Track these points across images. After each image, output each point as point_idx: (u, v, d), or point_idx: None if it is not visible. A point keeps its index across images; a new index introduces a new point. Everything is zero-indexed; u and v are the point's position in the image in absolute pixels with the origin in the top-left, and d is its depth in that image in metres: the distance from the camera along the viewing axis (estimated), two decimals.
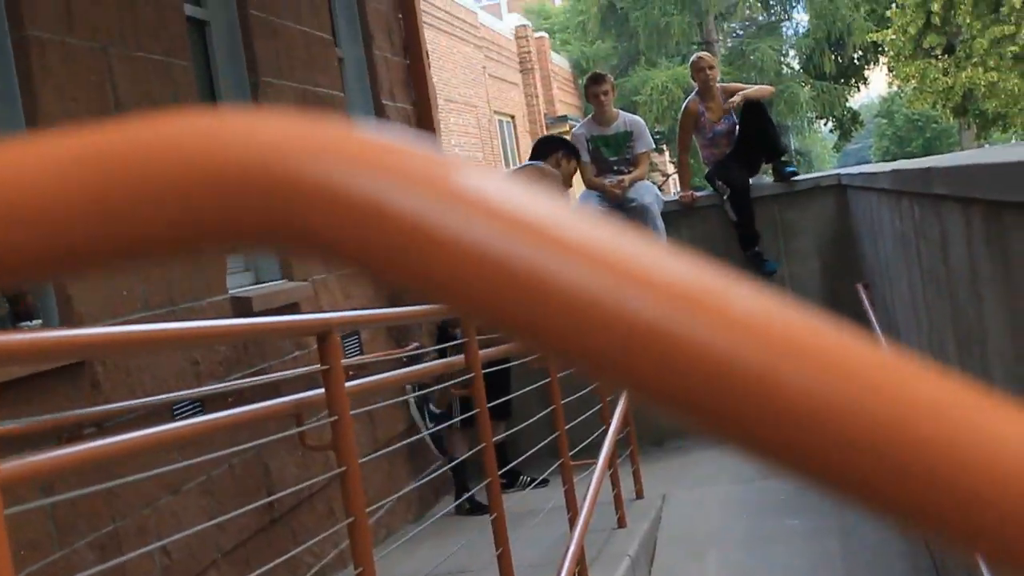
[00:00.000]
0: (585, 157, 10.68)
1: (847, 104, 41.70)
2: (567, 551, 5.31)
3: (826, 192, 10.59)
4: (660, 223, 10.39)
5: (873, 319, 8.03)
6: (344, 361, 5.49)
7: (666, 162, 42.28)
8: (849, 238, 10.28)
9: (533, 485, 9.01)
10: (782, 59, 41.76)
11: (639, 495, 8.73)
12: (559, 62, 38.90)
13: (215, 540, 6.26)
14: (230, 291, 6.90)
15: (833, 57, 39.90)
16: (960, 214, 4.28)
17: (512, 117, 31.60)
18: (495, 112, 29.45)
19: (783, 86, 36.65)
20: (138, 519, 5.62)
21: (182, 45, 6.84)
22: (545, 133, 33.42)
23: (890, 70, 34.47)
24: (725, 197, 10.43)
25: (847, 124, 41.73)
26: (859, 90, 42.95)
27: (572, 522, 5.95)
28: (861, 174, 9.28)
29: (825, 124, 44.46)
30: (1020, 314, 3.48)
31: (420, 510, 9.17)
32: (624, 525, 7.81)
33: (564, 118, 32.84)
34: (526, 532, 6.38)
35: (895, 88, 40.33)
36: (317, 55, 8.75)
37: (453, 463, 9.04)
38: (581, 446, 7.28)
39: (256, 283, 7.52)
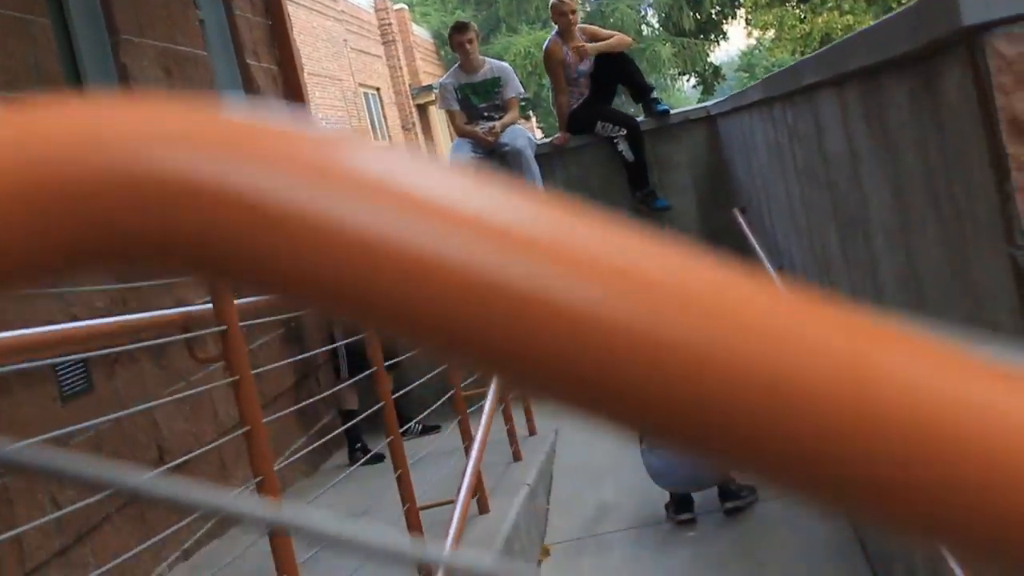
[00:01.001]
0: (455, 106, 10.64)
1: (708, 59, 41.95)
2: (464, 474, 5.27)
3: (696, 125, 10.64)
4: (535, 167, 10.37)
5: (753, 240, 8.08)
6: None
7: (534, 127, 42.30)
8: (722, 166, 10.36)
9: (426, 432, 8.99)
10: (641, 18, 41.97)
11: (532, 432, 8.72)
12: (420, 33, 38.72)
13: (109, 497, 6.14)
14: None
15: (691, 13, 40.13)
16: (835, 98, 4.30)
17: (377, 89, 31.41)
18: (360, 85, 29.25)
19: (644, 44, 36.83)
20: (26, 475, 5.49)
21: (40, 3, 6.67)
22: (412, 103, 33.39)
23: (748, 22, 34.78)
24: (619, 136, 10.38)
25: (709, 79, 41.96)
26: (719, 44, 43.22)
27: (467, 450, 5.90)
28: (730, 97, 9.36)
29: (688, 80, 44.74)
30: (902, 183, 3.50)
31: (314, 464, 9.10)
32: (520, 459, 7.81)
33: (429, 87, 32.71)
34: (422, 473, 6.30)
35: (754, 40, 40.75)
36: (176, 14, 8.59)
37: (345, 415, 9.01)
38: (471, 379, 7.23)
39: None
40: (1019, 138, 2.39)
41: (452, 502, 5.09)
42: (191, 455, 5.95)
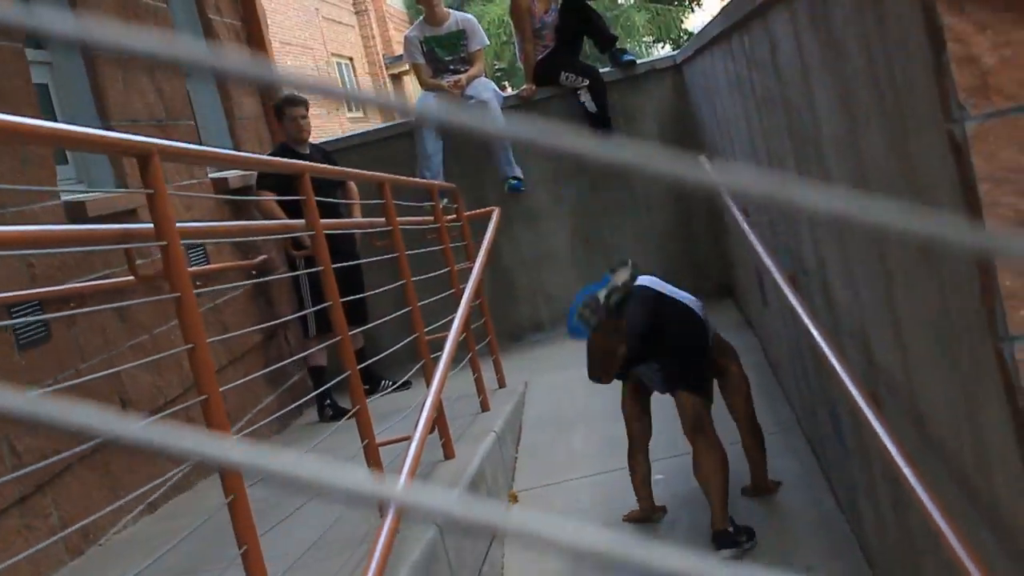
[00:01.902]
0: (420, 59, 10.59)
1: (683, 26, 41.84)
2: (423, 408, 5.21)
3: (663, 75, 10.63)
4: (501, 120, 10.32)
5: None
6: (190, 268, 5.25)
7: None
8: (688, 115, 10.33)
9: (395, 388, 8.95)
10: None
11: (501, 384, 8.70)
12: (393, 2, 38.55)
13: (69, 446, 6.09)
14: (63, 197, 6.70)
15: None
16: (786, 11, 4.29)
17: (350, 59, 31.25)
18: (332, 54, 29.11)
19: (619, 12, 36.72)
20: None
21: None
22: (386, 74, 33.24)
23: None
24: (582, 87, 10.38)
25: (684, 46, 41.89)
26: (693, 11, 43.13)
27: (428, 381, 5.84)
28: (694, 38, 9.39)
29: (663, 48, 44.56)
30: (848, 83, 3.47)
31: (283, 422, 9.05)
32: (488, 409, 7.78)
33: (402, 57, 32.53)
34: (390, 425, 6.24)
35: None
36: None
37: (314, 373, 8.97)
38: (436, 325, 7.19)
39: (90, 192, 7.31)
40: (954, 8, 2.36)
41: (409, 438, 5.05)
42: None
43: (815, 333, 4.64)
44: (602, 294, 5.98)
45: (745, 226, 6.74)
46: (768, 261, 5.93)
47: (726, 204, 7.55)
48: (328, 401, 8.84)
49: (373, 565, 3.94)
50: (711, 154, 9.02)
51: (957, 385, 2.97)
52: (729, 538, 5.98)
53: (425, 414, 5.13)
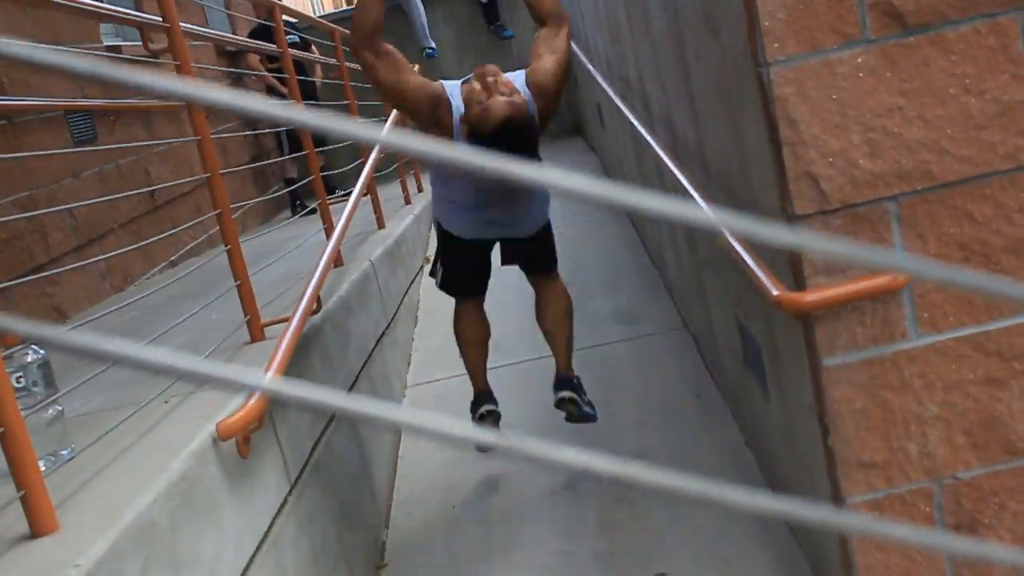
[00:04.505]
0: None
1: None
2: (360, 179, 5.11)
3: None
4: (419, 3, 10.09)
5: (580, 54, 7.92)
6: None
7: None
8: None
9: (344, 194, 8.84)
10: None
11: (420, 189, 8.62)
12: None
13: (110, 215, 5.96)
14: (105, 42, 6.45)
15: None
16: None
17: None
18: None
19: None
20: (48, 191, 5.30)
21: None
22: None
23: None
24: None
25: None
26: None
27: (364, 160, 5.69)
28: None
29: None
30: None
31: (267, 217, 8.93)
32: (409, 203, 7.73)
33: None
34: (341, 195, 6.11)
35: None
36: None
37: (288, 182, 8.82)
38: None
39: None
40: None
41: (348, 194, 4.96)
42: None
43: (636, 123, 4.64)
44: None
45: (590, 66, 6.69)
46: (607, 87, 5.90)
47: (575, 53, 7.46)
48: (298, 202, 8.72)
49: (313, 283, 3.77)
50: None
51: (729, 123, 2.97)
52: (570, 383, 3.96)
53: (362, 181, 5.04)
